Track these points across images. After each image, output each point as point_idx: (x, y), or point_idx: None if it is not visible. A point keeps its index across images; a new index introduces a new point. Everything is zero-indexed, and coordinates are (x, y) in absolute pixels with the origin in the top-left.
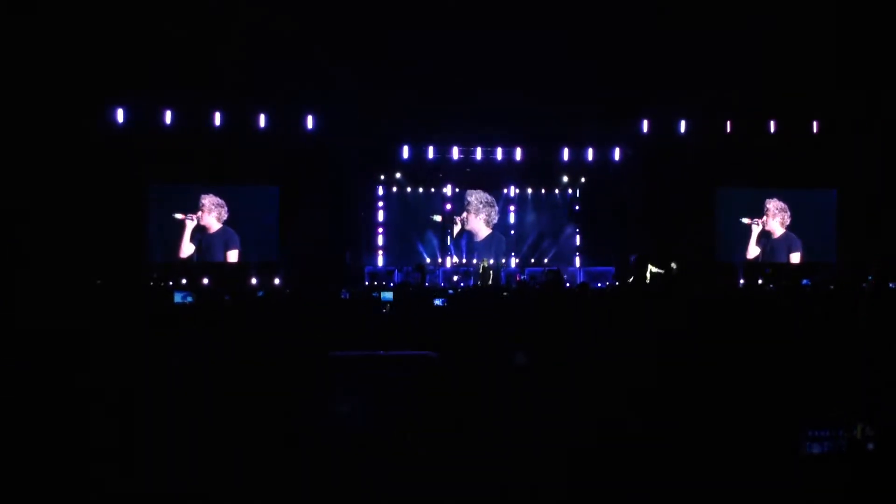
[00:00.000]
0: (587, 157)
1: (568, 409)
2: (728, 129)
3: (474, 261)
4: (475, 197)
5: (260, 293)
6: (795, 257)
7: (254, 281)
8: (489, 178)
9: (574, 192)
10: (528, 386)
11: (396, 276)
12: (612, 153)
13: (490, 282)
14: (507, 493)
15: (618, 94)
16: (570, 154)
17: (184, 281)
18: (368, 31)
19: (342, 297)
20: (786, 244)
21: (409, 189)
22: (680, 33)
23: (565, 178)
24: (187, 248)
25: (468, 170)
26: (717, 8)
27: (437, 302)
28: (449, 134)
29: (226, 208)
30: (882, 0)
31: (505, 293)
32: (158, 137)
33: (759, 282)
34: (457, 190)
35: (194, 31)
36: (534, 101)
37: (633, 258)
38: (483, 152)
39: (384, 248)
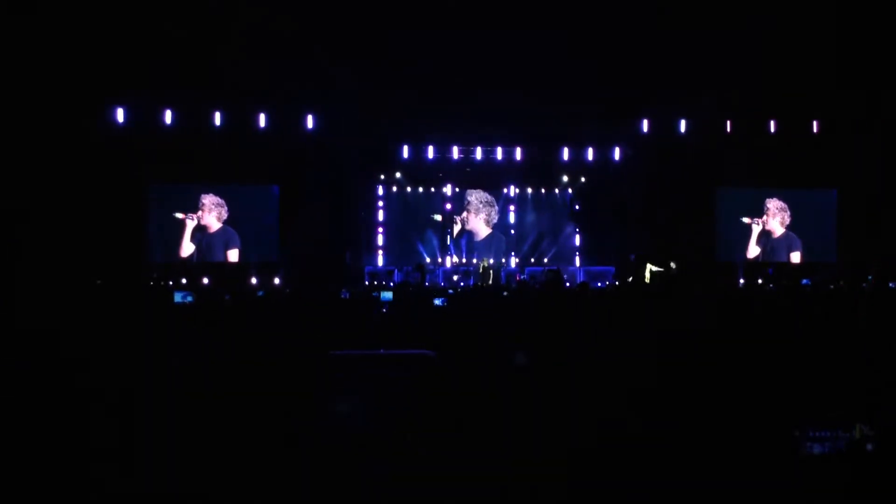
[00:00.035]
0: (587, 157)
1: (568, 409)
2: (728, 129)
3: (474, 260)
4: (475, 196)
5: (260, 293)
6: (796, 257)
7: (254, 281)
8: (489, 178)
9: (574, 191)
10: (527, 386)
11: (396, 275)
12: (612, 153)
13: (490, 281)
14: (507, 493)
15: (618, 94)
16: (570, 154)
17: (184, 281)
18: (368, 31)
19: (342, 297)
20: (786, 244)
21: (409, 189)
22: (680, 33)
23: (565, 178)
24: (188, 248)
25: (468, 169)
26: (717, 8)
27: (437, 302)
28: (449, 134)
29: (226, 208)
30: (882, 0)
31: (505, 293)
32: (158, 137)
33: (759, 281)
34: (457, 190)
35: (194, 31)
36: (534, 101)
37: (632, 257)
38: (483, 152)
39: (384, 247)
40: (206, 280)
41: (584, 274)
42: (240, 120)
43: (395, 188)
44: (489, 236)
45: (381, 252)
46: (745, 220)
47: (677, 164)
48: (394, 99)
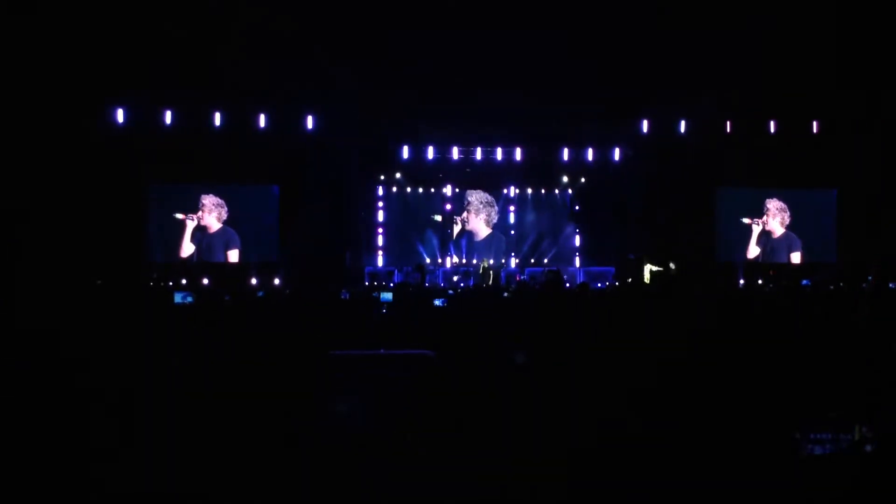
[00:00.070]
0: (587, 158)
1: (568, 409)
2: (728, 130)
3: (474, 261)
4: (475, 197)
5: (260, 293)
6: (796, 257)
7: (254, 281)
8: (489, 178)
9: (574, 192)
10: (527, 386)
11: (396, 276)
12: (612, 153)
13: (490, 282)
14: (507, 493)
15: (618, 94)
16: (570, 154)
17: (184, 281)
18: (368, 31)
19: (342, 297)
20: (786, 244)
21: (409, 189)
22: (680, 33)
23: (565, 179)
24: (188, 248)
25: (468, 170)
26: (717, 8)
27: (437, 302)
28: (449, 134)
29: (226, 208)
30: (882, 0)
31: (506, 293)
32: (158, 137)
33: (760, 282)
34: (457, 190)
35: (194, 31)
36: (534, 101)
37: (631, 256)
38: (483, 152)
39: (384, 248)
40: (206, 280)
41: (584, 274)
42: (240, 120)
43: (395, 188)
44: (489, 236)
45: (381, 252)
46: (746, 220)
47: (677, 165)
48: (394, 99)
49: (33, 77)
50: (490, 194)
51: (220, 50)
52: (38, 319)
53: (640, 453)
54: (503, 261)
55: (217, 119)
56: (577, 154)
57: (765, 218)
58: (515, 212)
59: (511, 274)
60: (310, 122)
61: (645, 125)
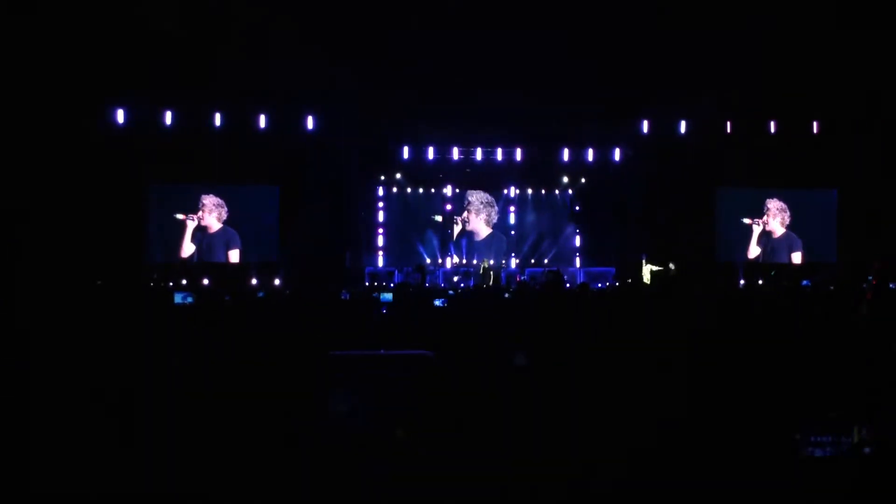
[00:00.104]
0: (587, 158)
1: (567, 409)
2: (728, 129)
3: (474, 261)
4: (476, 197)
5: (260, 294)
6: (796, 257)
7: (254, 281)
8: (489, 179)
9: (574, 192)
10: (527, 386)
11: (396, 276)
12: (612, 153)
13: (490, 282)
14: (506, 493)
15: (618, 94)
16: (571, 154)
17: (184, 281)
18: (368, 31)
19: (342, 297)
20: (787, 244)
21: (409, 189)
22: (680, 33)
23: (565, 179)
24: (188, 248)
25: (468, 170)
26: (717, 8)
27: (437, 302)
28: (449, 134)
29: (226, 208)
30: (882, 0)
31: (507, 294)
32: (158, 138)
33: (760, 282)
34: (457, 190)
35: (194, 31)
36: (534, 101)
37: (643, 257)
38: (483, 153)
39: (384, 248)
40: (206, 281)
41: (585, 275)
42: (240, 120)
43: (395, 189)
44: (490, 236)
45: (381, 253)
46: (746, 220)
47: (677, 165)
48: (394, 99)
49: (33, 77)
50: (490, 194)
51: (220, 50)
52: (38, 319)
53: (639, 453)
54: (503, 261)
55: (217, 119)
56: (577, 154)
57: (765, 218)
58: (516, 212)
59: (511, 274)
60: (310, 122)
61: (645, 125)
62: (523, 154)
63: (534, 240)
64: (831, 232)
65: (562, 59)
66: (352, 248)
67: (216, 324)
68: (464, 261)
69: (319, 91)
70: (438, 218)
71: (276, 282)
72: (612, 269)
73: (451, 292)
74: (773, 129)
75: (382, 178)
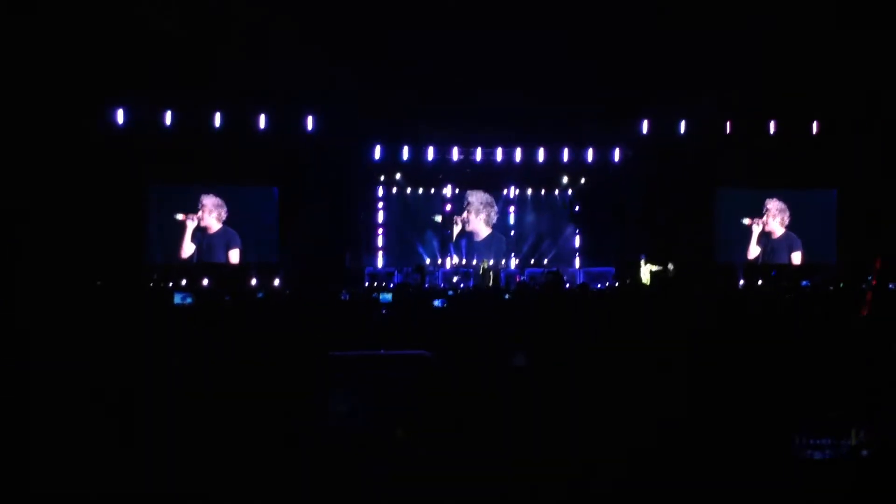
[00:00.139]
0: (587, 158)
1: (567, 409)
2: (728, 130)
3: (474, 261)
4: (475, 197)
5: (260, 294)
6: (796, 257)
7: (254, 282)
8: (489, 179)
9: (574, 192)
10: (527, 386)
11: (396, 277)
12: (611, 154)
13: (490, 283)
14: (506, 493)
15: (618, 94)
16: (570, 154)
17: (184, 282)
18: (368, 31)
19: (342, 298)
20: (787, 244)
21: (408, 190)
22: (680, 33)
23: (565, 179)
24: (188, 249)
25: (468, 170)
26: (717, 8)
27: (437, 303)
28: (449, 134)
29: (225, 209)
30: (882, 0)
31: (507, 295)
32: (158, 138)
33: (760, 282)
34: (457, 190)
35: (194, 31)
36: (534, 101)
37: (642, 257)
38: (483, 153)
39: (384, 248)
40: (205, 281)
41: (584, 275)
42: (240, 120)
43: (394, 189)
44: (489, 237)
45: (380, 253)
46: (746, 220)
47: (677, 165)
48: (394, 99)
49: (33, 77)
50: (490, 195)
51: (220, 50)
52: (38, 319)
53: (639, 454)
54: (503, 262)
55: (217, 119)
56: (577, 154)
57: (765, 218)
58: (515, 212)
59: (511, 275)
60: (310, 122)
61: (645, 126)
62: (523, 154)
63: (533, 240)
64: (831, 232)
65: (562, 59)
66: (351, 248)
67: (216, 324)
68: (463, 261)
69: (319, 91)
70: (438, 218)
71: (276, 282)
72: (612, 270)
73: (450, 293)
74: (772, 130)
75: (382, 178)
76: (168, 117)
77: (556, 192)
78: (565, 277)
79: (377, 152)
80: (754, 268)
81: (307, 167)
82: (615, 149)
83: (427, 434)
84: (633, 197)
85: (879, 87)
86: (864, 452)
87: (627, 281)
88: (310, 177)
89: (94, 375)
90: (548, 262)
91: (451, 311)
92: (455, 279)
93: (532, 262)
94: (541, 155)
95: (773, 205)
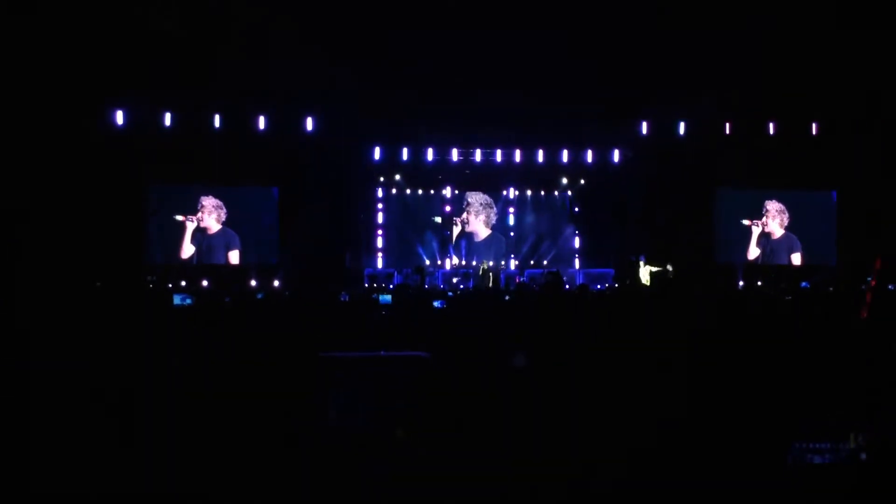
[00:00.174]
0: (587, 159)
1: (567, 409)
2: (728, 130)
3: (473, 262)
4: (475, 198)
5: (259, 295)
6: (796, 258)
7: (253, 283)
8: (488, 180)
9: (573, 193)
10: (527, 387)
11: (396, 277)
12: (611, 154)
13: (490, 284)
14: (506, 493)
15: (618, 94)
16: (570, 155)
17: (183, 283)
18: (368, 31)
19: (342, 299)
20: (786, 245)
21: (408, 191)
22: (680, 33)
23: (565, 180)
24: (188, 250)
25: (467, 171)
26: (717, 8)
27: (437, 304)
28: (449, 135)
29: (224, 210)
30: (882, 0)
31: (507, 296)
32: (158, 138)
33: (759, 283)
34: (456, 192)
35: (194, 31)
36: (534, 102)
37: (633, 258)
38: (482, 154)
39: (384, 249)
40: (205, 282)
41: (584, 276)
42: (240, 121)
43: (394, 190)
44: (489, 237)
45: (380, 254)
46: (746, 221)
47: (677, 165)
48: (394, 99)
49: (33, 77)
50: (489, 196)
51: (220, 50)
52: (38, 320)
53: (639, 454)
54: (503, 262)
55: (217, 120)
56: (577, 155)
57: (764, 219)
58: (515, 213)
59: (511, 275)
60: (309, 123)
61: (645, 126)
62: (523, 155)
63: (533, 241)
64: (831, 233)
65: (562, 59)
66: (351, 249)
67: (216, 324)
68: (463, 262)
69: (319, 91)
70: (438, 220)
71: (276, 283)
72: (612, 271)
73: (450, 294)
74: (772, 130)
75: (382, 179)
76: (168, 117)
77: (556, 192)
78: (565, 278)
79: (377, 153)
80: (754, 268)
81: (307, 168)
82: (615, 149)
83: (427, 434)
84: (633, 197)
85: (879, 87)
86: (863, 456)
87: (627, 282)
88: (309, 177)
89: (94, 375)
90: (547, 263)
91: (451, 311)
92: (455, 280)
93: (532, 263)
94: (540, 156)
95: (773, 206)
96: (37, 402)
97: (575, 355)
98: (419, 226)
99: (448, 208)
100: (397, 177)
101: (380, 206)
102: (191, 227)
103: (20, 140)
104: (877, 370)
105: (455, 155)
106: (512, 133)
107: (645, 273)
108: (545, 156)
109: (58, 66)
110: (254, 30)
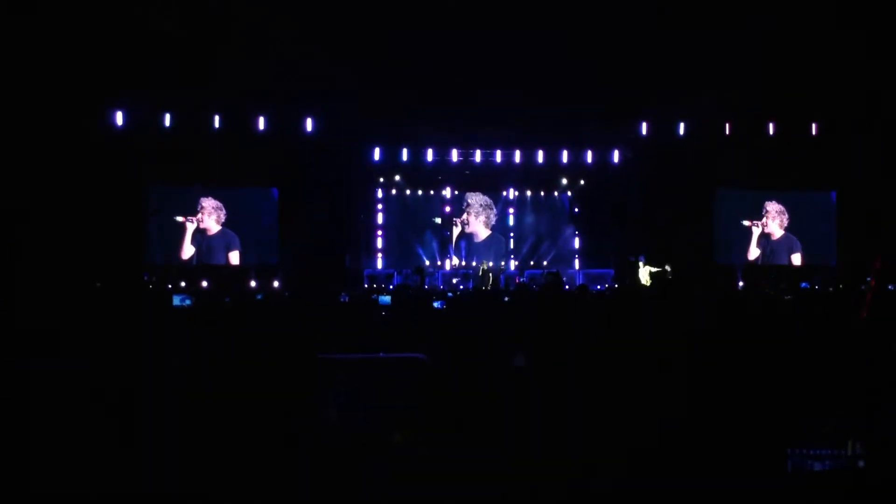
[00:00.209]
0: (586, 159)
1: (567, 409)
2: (728, 130)
3: (473, 263)
4: (475, 199)
5: (259, 296)
6: (796, 258)
7: (253, 283)
8: (488, 181)
9: (573, 194)
10: (526, 387)
11: (396, 278)
12: (611, 155)
13: (489, 284)
14: (506, 493)
15: (618, 94)
16: (570, 156)
17: (182, 284)
18: (368, 31)
19: (341, 300)
20: (786, 245)
21: (408, 191)
22: (680, 33)
23: (564, 181)
24: (188, 250)
25: (467, 172)
26: (717, 8)
27: (436, 304)
28: (449, 135)
29: (224, 211)
30: (882, 0)
31: (506, 297)
32: (158, 138)
33: (763, 283)
34: (456, 192)
35: (194, 31)
36: (534, 102)
37: (631, 258)
38: (482, 154)
39: (383, 250)
40: (205, 283)
41: (584, 277)
42: (239, 121)
43: (394, 191)
44: (489, 238)
45: (380, 255)
46: (746, 222)
47: (677, 165)
48: (394, 99)
49: (33, 77)
50: (489, 196)
51: (220, 50)
52: (38, 319)
53: (640, 453)
54: (502, 263)
55: (217, 120)
56: (577, 156)
57: (764, 220)
58: (515, 214)
59: (510, 276)
60: (309, 123)
61: (644, 127)
62: (522, 156)
63: (533, 242)
64: (831, 234)
65: (562, 59)
66: (351, 249)
67: (215, 325)
68: (463, 263)
69: (319, 91)
70: (438, 221)
71: (275, 283)
72: (612, 271)
73: (450, 294)
74: (772, 130)
75: (382, 179)
76: (168, 118)
77: (556, 193)
78: (564, 279)
79: (377, 153)
80: (754, 269)
81: (307, 168)
82: (615, 149)
83: (427, 434)
84: (633, 198)
85: (879, 87)
86: (861, 464)
87: (626, 282)
88: (309, 178)
89: (94, 375)
90: (547, 263)
91: (451, 312)
92: (454, 281)
93: (531, 263)
94: (540, 156)
95: (773, 207)
96: (37, 402)
97: (575, 355)
98: (419, 226)
99: (448, 209)
100: (397, 177)
101: (379, 206)
102: (191, 227)
103: (20, 140)
104: (877, 370)
105: (455, 155)
106: (512, 133)
107: (644, 273)
108: (545, 156)
109: (58, 67)
110: (254, 30)
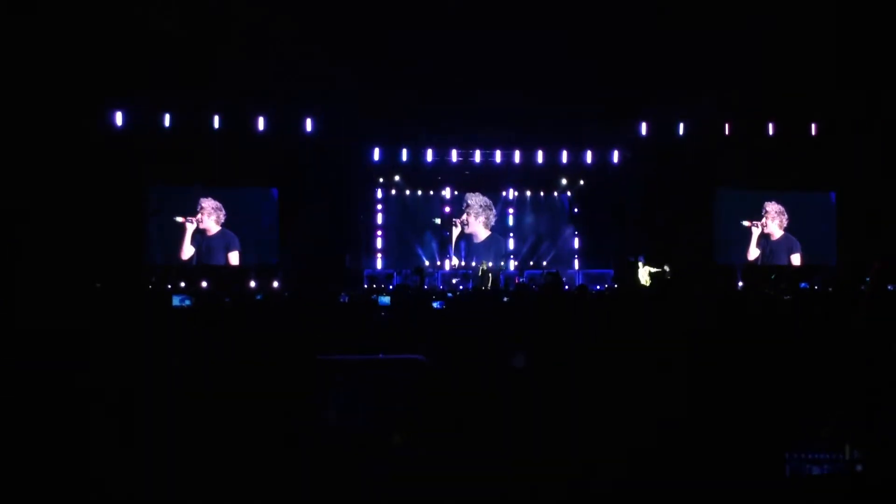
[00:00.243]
0: (586, 160)
1: (567, 409)
2: (727, 130)
3: (473, 263)
4: (475, 200)
5: (258, 297)
6: (796, 259)
7: (253, 284)
8: (488, 181)
9: (573, 194)
10: (526, 387)
11: (396, 278)
12: (611, 155)
13: (489, 285)
14: (506, 493)
15: (618, 94)
16: (570, 156)
17: (182, 284)
18: (368, 31)
19: (341, 300)
20: (786, 245)
21: (408, 192)
22: (680, 33)
23: (564, 181)
24: (188, 251)
25: (467, 172)
26: (717, 8)
27: (436, 305)
28: (448, 135)
29: (224, 211)
30: (882, 0)
31: (506, 298)
32: (158, 138)
33: (764, 282)
34: (456, 193)
35: (194, 31)
36: (534, 102)
37: (631, 258)
38: (482, 155)
39: (383, 250)
40: (204, 283)
41: (583, 277)
42: (239, 121)
43: (394, 191)
44: (489, 238)
45: (380, 255)
46: (745, 223)
47: (677, 165)
48: (394, 99)
49: (33, 77)
50: (489, 196)
51: (220, 50)
52: (39, 319)
53: (640, 453)
54: (502, 263)
55: (216, 120)
56: (577, 156)
57: (764, 220)
58: (514, 214)
59: (510, 276)
60: (309, 123)
61: (644, 127)
62: (522, 156)
63: (532, 242)
64: (831, 234)
65: (562, 59)
66: (351, 250)
67: (215, 325)
68: (462, 263)
69: (319, 91)
70: (438, 221)
71: (275, 284)
72: (611, 272)
73: (449, 294)
74: (772, 130)
75: (381, 180)
76: (168, 118)
77: (555, 193)
78: (564, 279)
79: (377, 154)
80: (754, 269)
81: (307, 168)
82: (614, 150)
83: (426, 435)
84: (633, 198)
85: (879, 87)
86: (859, 468)
87: (626, 282)
88: (309, 178)
89: (94, 375)
90: (547, 263)
91: (451, 312)
92: (454, 281)
93: (531, 263)
94: (540, 156)
95: (772, 207)
96: (37, 402)
97: (574, 356)
98: (419, 227)
99: (447, 209)
100: (397, 177)
101: (379, 206)
102: (190, 228)
103: (21, 140)
104: (877, 370)
105: (455, 156)
106: (512, 133)
107: (644, 273)
108: (545, 156)
109: (58, 67)
110: (254, 30)
